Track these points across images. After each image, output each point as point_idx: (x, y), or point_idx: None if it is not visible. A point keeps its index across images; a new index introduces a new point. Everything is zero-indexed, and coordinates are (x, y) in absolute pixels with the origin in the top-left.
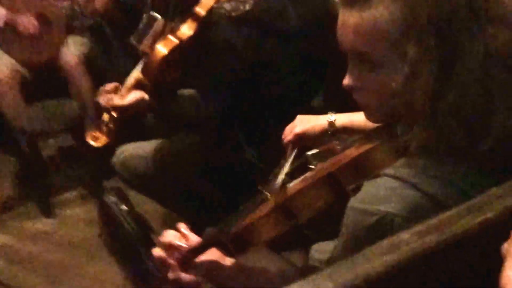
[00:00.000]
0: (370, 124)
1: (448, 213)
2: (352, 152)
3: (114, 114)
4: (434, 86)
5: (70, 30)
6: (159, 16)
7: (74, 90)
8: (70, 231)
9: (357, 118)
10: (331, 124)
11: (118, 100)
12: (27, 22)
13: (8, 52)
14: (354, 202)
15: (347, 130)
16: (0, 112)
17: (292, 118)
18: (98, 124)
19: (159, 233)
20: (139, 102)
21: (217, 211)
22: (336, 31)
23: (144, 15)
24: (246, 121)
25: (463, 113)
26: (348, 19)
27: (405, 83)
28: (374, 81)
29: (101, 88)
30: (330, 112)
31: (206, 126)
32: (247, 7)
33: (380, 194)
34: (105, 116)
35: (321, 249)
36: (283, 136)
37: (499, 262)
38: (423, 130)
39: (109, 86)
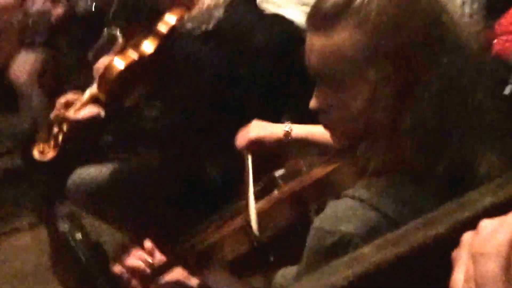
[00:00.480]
0: (327, 138)
1: (404, 228)
2: (317, 172)
3: (64, 127)
4: (392, 110)
5: (21, 44)
6: (118, 34)
7: (24, 106)
8: (19, 261)
9: (314, 131)
10: (287, 134)
11: (72, 114)
12: None
13: None
14: (316, 222)
15: (303, 142)
16: None
17: None
18: (46, 137)
19: (116, 261)
20: (93, 117)
21: (178, 233)
22: (300, 53)
23: (104, 31)
24: (208, 138)
25: (419, 137)
26: (315, 43)
27: (365, 105)
28: (338, 103)
29: (57, 101)
30: (287, 122)
31: (167, 143)
32: (210, 27)
33: (340, 214)
34: (55, 129)
35: (286, 274)
36: (236, 141)
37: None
38: (382, 152)
39: (64, 98)
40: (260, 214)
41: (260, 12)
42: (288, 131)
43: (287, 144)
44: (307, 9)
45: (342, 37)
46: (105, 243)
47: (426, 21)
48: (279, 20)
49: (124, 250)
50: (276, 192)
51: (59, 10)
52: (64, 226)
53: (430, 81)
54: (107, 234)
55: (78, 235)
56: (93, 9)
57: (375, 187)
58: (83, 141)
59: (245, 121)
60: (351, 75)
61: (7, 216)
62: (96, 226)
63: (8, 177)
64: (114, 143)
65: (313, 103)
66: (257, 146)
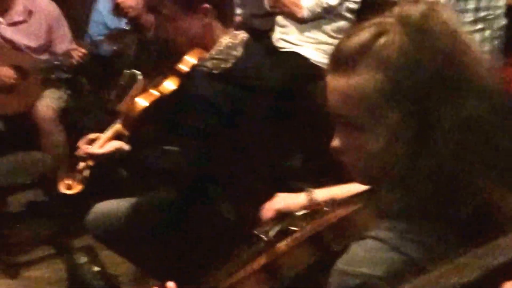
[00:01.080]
0: (349, 195)
1: (435, 273)
2: (339, 213)
3: (90, 162)
4: (411, 152)
5: (47, 82)
6: (139, 74)
7: (47, 143)
8: None
9: (337, 192)
10: (310, 200)
11: (96, 149)
12: (4, 73)
13: None
14: (339, 263)
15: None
16: None
17: (267, 175)
18: (72, 173)
19: None
20: (117, 152)
21: (194, 271)
22: (315, 92)
23: (125, 72)
24: (221, 176)
25: (439, 180)
26: (335, 84)
27: (384, 147)
28: (358, 144)
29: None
30: (307, 189)
31: (182, 181)
32: (228, 65)
33: (362, 256)
34: (81, 165)
35: None
36: (262, 214)
37: None
38: (402, 194)
39: (88, 136)
40: (282, 255)
41: (275, 51)
42: (311, 198)
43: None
44: (322, 47)
45: (363, 78)
46: (121, 276)
47: (447, 61)
48: (294, 57)
49: (140, 284)
50: (297, 233)
51: (82, 51)
52: (81, 259)
53: (450, 121)
54: (124, 268)
55: (95, 268)
56: (115, 52)
57: (397, 228)
58: (103, 176)
59: (257, 160)
60: (371, 116)
61: (26, 247)
62: (113, 259)
63: (28, 209)
64: (132, 179)
65: (334, 143)
66: (283, 215)
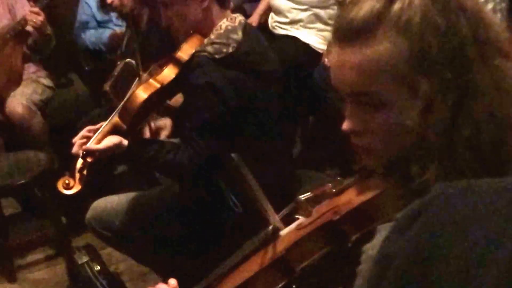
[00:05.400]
0: None
1: None
2: (351, 197)
3: (88, 159)
4: (449, 120)
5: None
6: (134, 63)
7: (26, 139)
8: None
9: None
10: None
11: (94, 145)
12: None
13: None
14: (369, 250)
15: None
16: None
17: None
18: (70, 171)
19: None
20: (116, 147)
21: (198, 266)
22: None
23: (119, 62)
24: (227, 167)
25: (480, 148)
26: (348, 58)
27: (419, 119)
28: (381, 121)
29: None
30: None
31: (186, 174)
32: (230, 49)
33: None
34: (79, 162)
35: None
36: None
37: None
38: (440, 168)
39: (83, 132)
40: (293, 245)
41: (272, 34)
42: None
43: None
44: (321, 33)
45: (383, 47)
46: (122, 274)
47: (474, 19)
48: (293, 41)
49: (142, 280)
50: (305, 218)
51: (35, 10)
52: (82, 258)
53: (488, 85)
54: (125, 265)
55: (96, 267)
56: (106, 47)
57: None
58: (101, 173)
59: (263, 149)
60: (397, 88)
61: (25, 249)
62: (114, 257)
63: (26, 210)
64: (132, 173)
65: (347, 125)
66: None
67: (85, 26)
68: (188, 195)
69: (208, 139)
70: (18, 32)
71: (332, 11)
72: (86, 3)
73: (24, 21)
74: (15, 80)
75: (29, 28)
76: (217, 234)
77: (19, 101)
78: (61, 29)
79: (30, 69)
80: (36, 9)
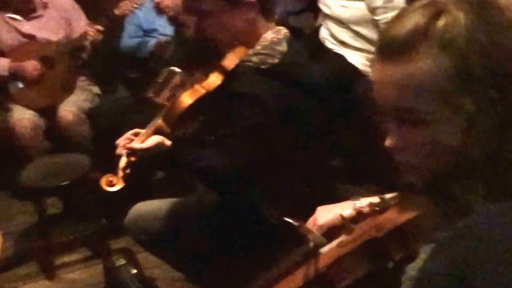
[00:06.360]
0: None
1: None
2: (394, 215)
3: (132, 158)
4: (493, 140)
5: (77, 67)
6: (179, 70)
7: (73, 144)
8: None
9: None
10: (360, 211)
11: (137, 144)
12: (30, 66)
13: (26, 105)
14: (410, 270)
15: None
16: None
17: (313, 178)
18: (114, 170)
19: None
20: (158, 146)
21: (232, 276)
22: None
23: (164, 70)
24: (266, 179)
25: None
26: (390, 74)
27: (461, 138)
28: (423, 139)
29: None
30: (353, 197)
31: (225, 182)
32: (276, 60)
33: None
34: (123, 161)
35: None
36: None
37: None
38: (483, 188)
39: (127, 134)
40: (334, 263)
41: (318, 48)
42: (357, 207)
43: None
44: (362, 54)
45: (425, 64)
46: (157, 279)
47: None
48: (339, 58)
49: (176, 286)
50: (346, 236)
51: (96, 27)
52: (119, 261)
53: None
54: (160, 270)
55: (133, 270)
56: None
57: None
58: (143, 176)
59: (303, 161)
60: (439, 106)
61: (64, 248)
62: (150, 262)
63: (68, 211)
64: (171, 180)
65: (388, 142)
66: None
67: (131, 34)
68: (223, 203)
69: (246, 148)
70: (76, 47)
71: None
72: (135, 13)
73: (84, 37)
74: (68, 90)
75: (86, 43)
76: (252, 244)
77: (70, 109)
78: (108, 36)
79: (81, 77)
80: (99, 27)
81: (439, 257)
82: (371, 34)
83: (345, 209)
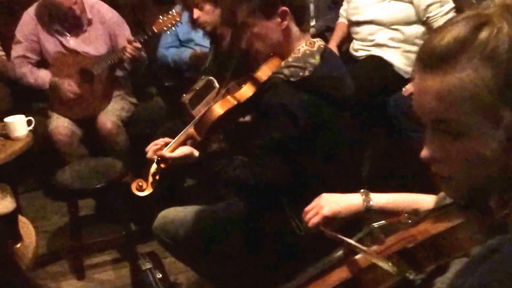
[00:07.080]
0: (409, 205)
1: None
2: (428, 227)
3: (162, 165)
4: None
5: (114, 83)
6: (216, 85)
7: (109, 150)
8: None
9: (396, 198)
10: (368, 205)
11: (168, 152)
12: (67, 87)
13: (64, 114)
14: (440, 284)
15: (383, 211)
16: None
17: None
18: (144, 175)
19: None
20: (187, 157)
21: (259, 285)
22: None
23: (202, 78)
24: (294, 190)
25: None
26: (429, 85)
27: (500, 150)
28: (460, 150)
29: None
30: (361, 191)
31: (253, 192)
32: (306, 73)
33: None
34: (153, 167)
35: None
36: (305, 217)
37: None
38: None
39: (160, 140)
40: (366, 269)
41: (352, 60)
42: (368, 203)
43: (365, 214)
44: (407, 54)
45: (465, 75)
46: (182, 285)
47: None
48: (376, 60)
49: None
50: (376, 246)
51: (135, 45)
52: (146, 264)
53: None
54: (185, 276)
55: (158, 274)
56: (187, 63)
57: None
58: (173, 183)
59: (331, 173)
60: (478, 117)
61: (94, 249)
62: (175, 267)
63: (98, 213)
64: (200, 187)
65: (425, 153)
66: (331, 220)
67: (168, 45)
68: (252, 213)
69: (276, 160)
70: (115, 62)
71: (417, 29)
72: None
73: (123, 52)
74: (107, 100)
75: (126, 56)
76: (278, 255)
77: (109, 118)
78: (145, 46)
79: (119, 87)
80: (138, 45)
81: (470, 274)
82: (411, 32)
83: (351, 200)
